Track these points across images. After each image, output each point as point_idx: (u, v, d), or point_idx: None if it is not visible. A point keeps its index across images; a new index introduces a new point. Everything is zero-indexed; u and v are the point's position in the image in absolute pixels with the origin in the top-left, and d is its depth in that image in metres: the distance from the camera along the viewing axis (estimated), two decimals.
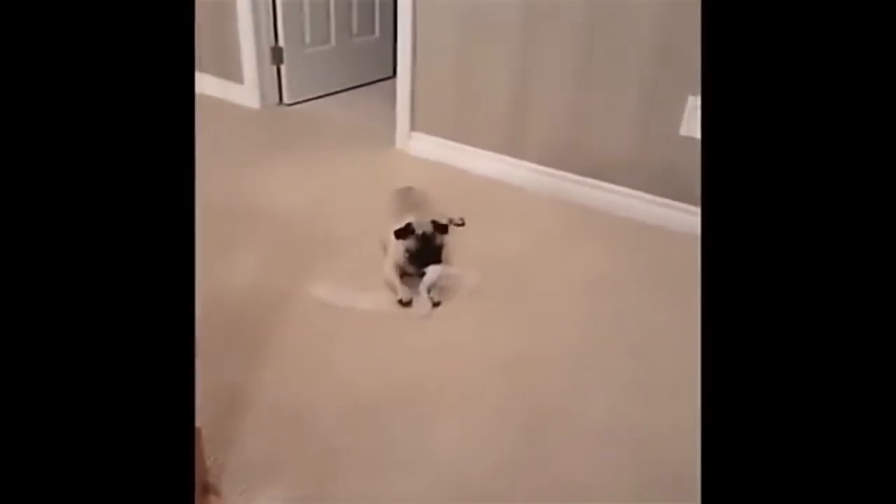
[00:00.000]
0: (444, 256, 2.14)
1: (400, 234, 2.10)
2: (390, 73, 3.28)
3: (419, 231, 2.09)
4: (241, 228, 2.43)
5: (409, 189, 2.45)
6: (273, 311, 2.00)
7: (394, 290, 2.11)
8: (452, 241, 2.38)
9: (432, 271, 2.07)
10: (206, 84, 3.66)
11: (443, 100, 2.94)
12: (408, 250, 2.10)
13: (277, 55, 3.50)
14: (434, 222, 2.11)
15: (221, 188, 2.68)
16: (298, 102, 3.65)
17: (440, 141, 3.01)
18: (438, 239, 2.11)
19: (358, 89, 3.93)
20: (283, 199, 2.68)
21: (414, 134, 3.09)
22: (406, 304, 2.06)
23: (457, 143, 2.97)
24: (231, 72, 3.55)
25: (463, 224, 2.55)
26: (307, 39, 3.56)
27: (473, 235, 2.49)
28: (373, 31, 3.92)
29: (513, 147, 2.85)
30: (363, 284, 2.14)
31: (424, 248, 2.09)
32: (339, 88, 3.85)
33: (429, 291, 2.08)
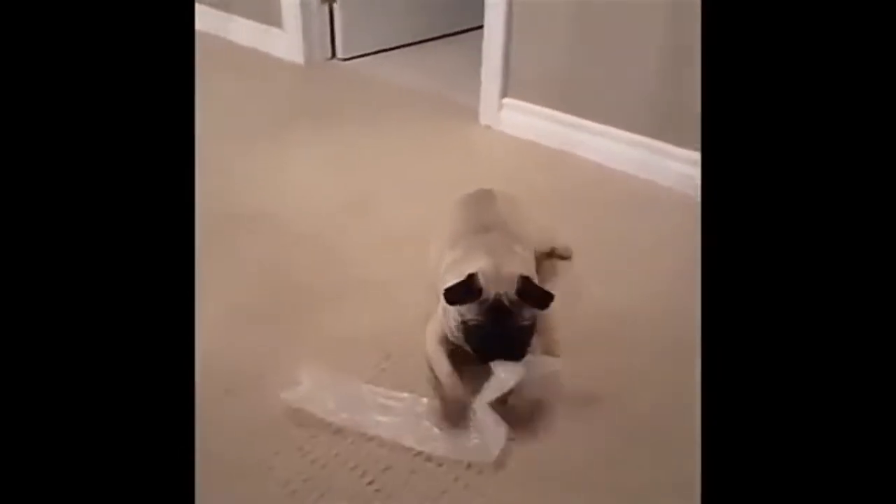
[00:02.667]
0: (532, 343, 1.13)
1: (453, 294, 1.10)
2: (482, 22, 2.40)
3: (490, 292, 1.09)
4: (229, 247, 1.61)
5: (485, 195, 1.44)
6: (207, 425, 1.09)
7: (436, 386, 1.14)
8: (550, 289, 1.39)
9: (507, 374, 1.07)
10: (234, 29, 2.92)
11: (552, 52, 2.07)
12: (465, 324, 1.11)
13: None
14: (524, 280, 1.10)
15: (222, 180, 1.82)
16: (355, 57, 2.87)
17: (545, 112, 2.16)
18: (527, 314, 1.09)
19: (437, 41, 3.13)
20: (302, 202, 1.87)
21: (507, 101, 2.23)
22: (456, 422, 1.08)
23: (572, 117, 2.11)
24: (267, 12, 2.78)
25: (570, 257, 1.54)
26: None
27: (587, 275, 1.53)
28: None
29: (664, 127, 1.93)
30: (385, 368, 1.19)
31: (496, 327, 1.09)
32: (412, 40, 3.05)
33: (504, 402, 1.09)
